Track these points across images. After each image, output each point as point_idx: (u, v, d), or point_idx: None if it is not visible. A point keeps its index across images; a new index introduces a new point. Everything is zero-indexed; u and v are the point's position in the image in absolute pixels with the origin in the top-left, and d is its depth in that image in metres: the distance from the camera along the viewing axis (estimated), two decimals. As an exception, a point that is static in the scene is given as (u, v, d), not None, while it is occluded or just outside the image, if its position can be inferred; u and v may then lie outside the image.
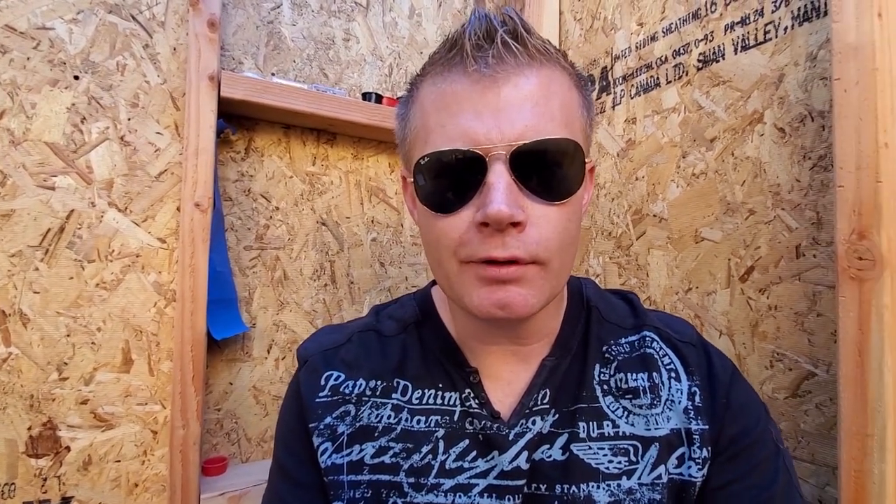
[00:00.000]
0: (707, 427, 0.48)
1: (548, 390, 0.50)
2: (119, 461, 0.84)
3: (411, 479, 0.47)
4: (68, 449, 0.80)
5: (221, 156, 0.98)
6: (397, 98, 1.10)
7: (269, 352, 1.01)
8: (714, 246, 0.83)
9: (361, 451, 0.49)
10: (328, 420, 0.50)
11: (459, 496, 0.46)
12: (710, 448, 0.47)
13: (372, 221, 1.14)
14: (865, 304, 0.57)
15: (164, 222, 0.89)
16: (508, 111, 0.40)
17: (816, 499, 0.68)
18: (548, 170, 0.41)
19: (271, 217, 1.02)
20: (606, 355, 0.52)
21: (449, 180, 0.41)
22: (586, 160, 0.44)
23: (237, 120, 0.99)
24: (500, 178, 0.39)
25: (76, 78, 0.83)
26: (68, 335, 0.81)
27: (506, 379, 0.51)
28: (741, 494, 0.45)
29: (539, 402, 0.49)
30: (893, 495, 0.54)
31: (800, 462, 0.70)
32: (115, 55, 0.86)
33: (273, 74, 1.02)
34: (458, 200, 0.41)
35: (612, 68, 1.06)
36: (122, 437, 0.84)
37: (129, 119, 0.87)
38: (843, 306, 0.59)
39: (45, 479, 0.78)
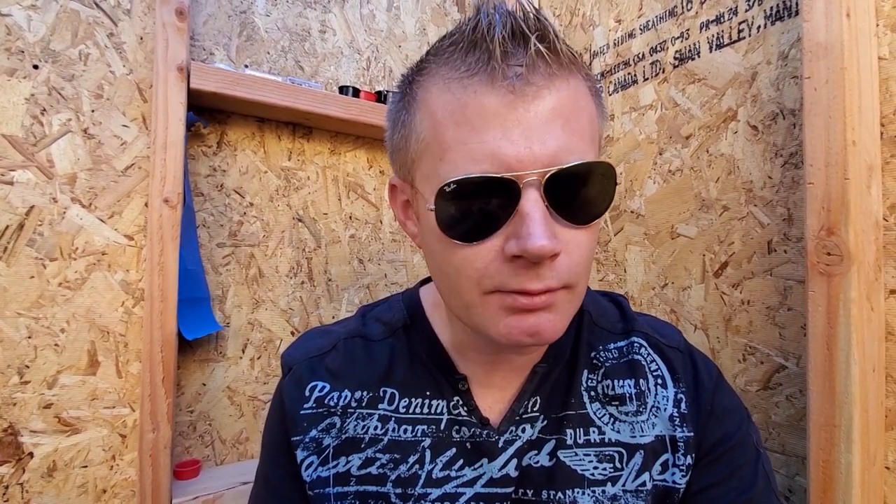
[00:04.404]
0: (692, 434, 0.48)
1: (538, 397, 0.49)
2: (86, 467, 0.80)
3: (398, 490, 0.46)
4: (31, 455, 0.77)
5: (192, 150, 0.95)
6: (376, 92, 1.09)
7: (243, 351, 0.98)
8: (689, 242, 0.84)
9: (348, 462, 0.48)
10: (313, 433, 0.49)
11: None
12: (693, 455, 0.47)
13: (350, 218, 1.12)
14: (834, 298, 0.58)
15: (132, 219, 0.86)
16: (539, 129, 0.36)
17: (786, 488, 0.70)
18: (581, 194, 0.38)
19: (245, 213, 1.00)
20: (594, 361, 0.51)
21: (475, 208, 0.37)
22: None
23: (209, 113, 0.96)
24: (535, 206, 0.36)
25: (35, 67, 0.79)
26: (29, 337, 0.77)
27: (497, 386, 0.50)
28: (720, 498, 0.46)
29: (529, 410, 0.49)
30: (859, 484, 0.56)
31: (770, 452, 0.72)
32: (77, 44, 0.82)
33: (246, 66, 1.00)
34: (485, 229, 0.38)
35: (590, 65, 1.06)
36: (88, 441, 0.81)
37: (92, 111, 0.83)
38: (812, 301, 0.60)
39: (6, 487, 0.75)
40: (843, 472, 0.57)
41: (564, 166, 0.36)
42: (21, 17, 0.78)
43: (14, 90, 0.77)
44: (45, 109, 0.80)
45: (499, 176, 0.36)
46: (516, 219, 0.37)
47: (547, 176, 0.36)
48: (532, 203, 0.36)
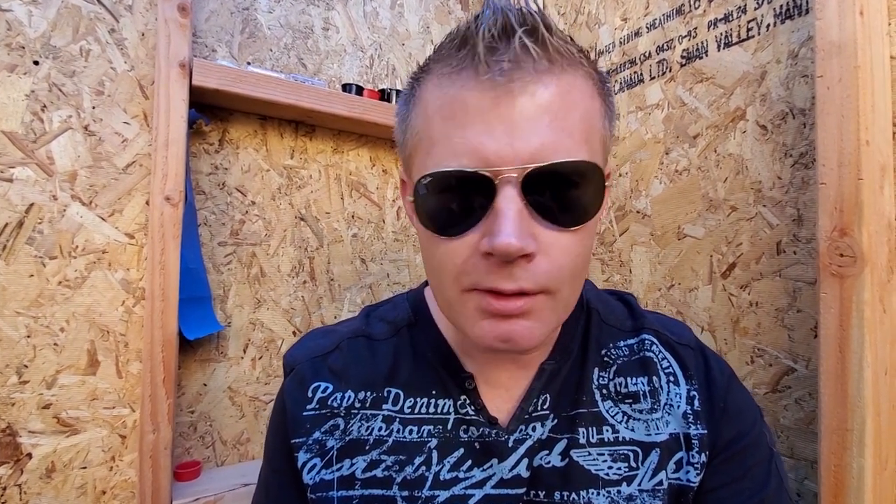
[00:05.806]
0: (706, 432, 0.47)
1: (548, 395, 0.48)
2: (85, 468, 0.79)
3: (405, 493, 0.45)
4: (30, 456, 0.76)
5: (194, 147, 0.94)
6: (380, 90, 1.08)
7: (245, 351, 0.97)
8: (696, 242, 0.83)
9: (352, 465, 0.47)
10: (317, 435, 0.48)
11: None
12: (707, 452, 0.46)
13: (352, 217, 1.11)
14: (846, 300, 0.57)
15: (133, 217, 0.85)
16: (523, 126, 0.35)
17: (795, 492, 0.69)
18: (563, 194, 0.37)
19: (247, 212, 0.99)
20: (605, 359, 0.50)
21: (453, 202, 0.37)
22: (606, 184, 0.40)
23: (210, 110, 0.95)
24: (510, 204, 0.35)
25: (36, 63, 0.78)
26: (28, 336, 0.76)
27: (504, 385, 0.48)
28: (733, 498, 0.45)
29: (539, 408, 0.48)
30: (871, 489, 0.55)
31: (779, 456, 0.71)
32: (78, 40, 0.81)
33: (249, 63, 0.99)
34: (463, 224, 0.37)
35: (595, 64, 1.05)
36: (87, 442, 0.80)
37: (93, 107, 0.82)
38: (824, 302, 0.60)
39: (4, 489, 0.74)
40: (855, 476, 0.56)
41: (545, 164, 0.35)
42: (22, 12, 0.77)
43: (14, 86, 0.76)
44: (45, 106, 0.79)
45: (472, 171, 0.36)
46: (491, 215, 0.36)
47: (525, 173, 0.35)
48: (507, 200, 0.35)
